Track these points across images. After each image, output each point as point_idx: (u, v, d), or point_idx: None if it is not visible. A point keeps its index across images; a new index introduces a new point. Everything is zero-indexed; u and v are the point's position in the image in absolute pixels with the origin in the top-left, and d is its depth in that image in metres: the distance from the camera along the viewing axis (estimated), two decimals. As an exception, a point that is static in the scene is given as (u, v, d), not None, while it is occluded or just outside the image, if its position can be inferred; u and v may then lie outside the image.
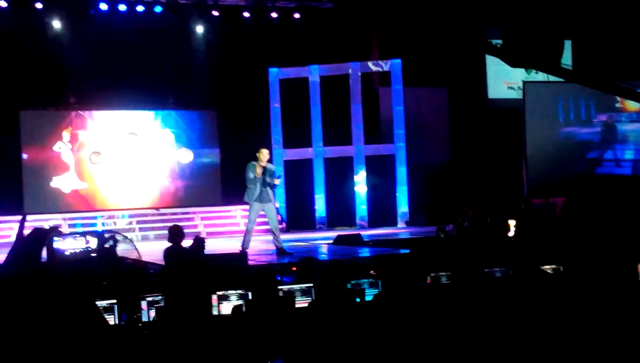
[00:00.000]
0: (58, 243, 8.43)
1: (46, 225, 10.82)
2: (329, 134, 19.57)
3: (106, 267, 8.07)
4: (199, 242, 9.16)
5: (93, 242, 8.51)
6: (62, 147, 18.32)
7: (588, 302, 5.99)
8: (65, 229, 15.93)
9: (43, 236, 4.82)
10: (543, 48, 10.49)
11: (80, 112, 18.58)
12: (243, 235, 12.28)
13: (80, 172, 18.49)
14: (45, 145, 18.18)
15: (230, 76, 19.15)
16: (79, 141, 18.52)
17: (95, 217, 17.90)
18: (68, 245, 8.51)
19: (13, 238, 17.07)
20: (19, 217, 4.26)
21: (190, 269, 7.90)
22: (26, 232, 4.83)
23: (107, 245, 8.41)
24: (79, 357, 3.26)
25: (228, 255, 10.20)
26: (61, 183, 18.26)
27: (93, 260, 8.36)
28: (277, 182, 12.06)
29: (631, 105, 18.45)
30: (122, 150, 18.87)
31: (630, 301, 6.26)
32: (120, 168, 18.82)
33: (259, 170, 11.76)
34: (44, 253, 6.47)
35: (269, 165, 11.96)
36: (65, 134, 18.37)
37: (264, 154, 11.92)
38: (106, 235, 8.67)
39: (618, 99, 18.50)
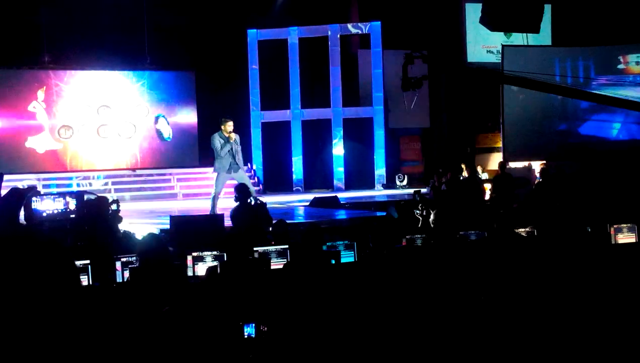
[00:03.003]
0: (36, 204, 8.32)
1: (21, 185, 10.69)
2: (307, 97, 19.49)
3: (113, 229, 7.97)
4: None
5: (72, 203, 8.40)
6: (36, 107, 18.07)
7: (561, 264, 6.06)
8: (40, 190, 15.78)
9: (21, 196, 4.77)
10: (523, 12, 10.48)
11: (55, 71, 18.31)
12: (210, 202, 12.14)
13: (55, 132, 18.27)
14: (19, 105, 17.93)
15: (209, 37, 18.95)
16: (55, 101, 18.28)
17: (70, 178, 17.73)
18: (47, 206, 8.41)
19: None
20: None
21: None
22: (3, 191, 4.78)
23: (112, 208, 8.31)
24: (54, 317, 3.24)
25: (203, 217, 10.15)
26: (36, 143, 18.06)
27: (71, 221, 8.27)
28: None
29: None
30: (98, 111, 18.65)
31: (602, 263, 6.34)
32: (96, 128, 18.63)
33: (223, 142, 11.69)
34: (22, 213, 6.41)
35: (234, 135, 11.86)
36: (40, 94, 18.11)
37: (229, 125, 11.83)
38: (110, 199, 8.56)
39: (621, 60, 18.44)
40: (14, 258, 3.62)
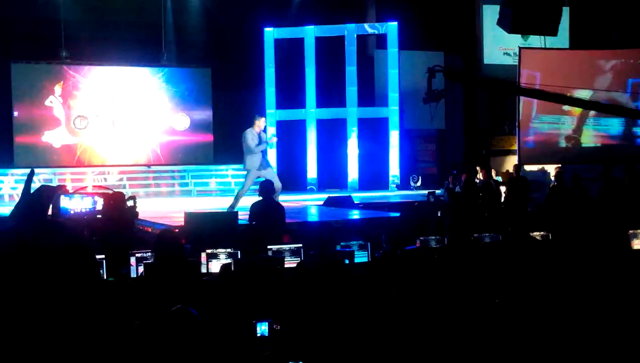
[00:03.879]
0: (65, 202, 8.36)
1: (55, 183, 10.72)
2: (323, 96, 19.48)
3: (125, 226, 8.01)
4: None
5: (100, 203, 8.42)
6: (53, 102, 18.16)
7: (576, 269, 6.02)
8: (54, 183, 15.87)
9: (50, 193, 4.80)
10: (541, 14, 10.43)
11: (73, 66, 18.39)
12: (233, 198, 12.15)
13: (71, 127, 18.35)
14: (37, 99, 18.01)
15: (226, 35, 18.98)
16: (71, 96, 18.36)
17: (85, 174, 17.80)
18: (75, 205, 8.43)
19: (4, 191, 16.96)
20: (9, 171, 4.24)
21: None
22: (33, 186, 4.82)
23: (129, 204, 8.34)
24: (76, 310, 3.29)
25: (218, 214, 10.17)
26: (52, 138, 18.14)
27: (98, 221, 8.27)
28: (273, 140, 12.03)
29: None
30: (114, 106, 18.72)
31: (619, 268, 6.29)
32: (112, 124, 18.69)
33: (257, 139, 11.65)
34: (49, 211, 6.44)
35: (263, 133, 11.86)
36: (57, 88, 18.20)
37: (262, 121, 11.81)
38: (127, 195, 8.60)
39: None
40: (44, 253, 3.67)
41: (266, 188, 9.20)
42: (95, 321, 3.39)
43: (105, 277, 6.02)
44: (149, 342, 3.30)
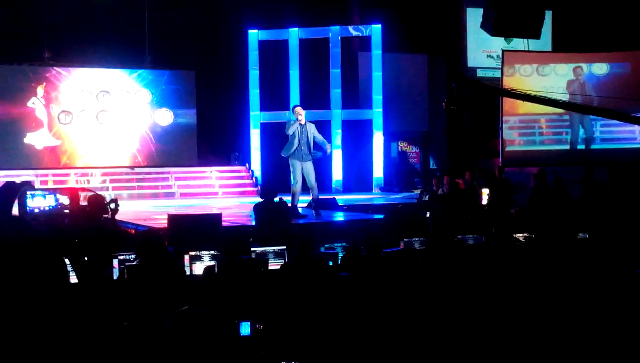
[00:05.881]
0: (28, 201, 8.32)
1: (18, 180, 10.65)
2: (307, 98, 19.45)
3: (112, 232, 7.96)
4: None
5: (63, 200, 8.39)
6: (36, 103, 18.06)
7: (558, 270, 6.06)
8: (37, 186, 15.77)
9: (14, 190, 4.75)
10: (524, 17, 10.49)
11: (55, 68, 18.30)
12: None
13: (54, 129, 18.26)
14: (19, 101, 17.91)
15: (209, 37, 18.95)
16: (54, 97, 18.26)
17: (67, 175, 17.71)
18: (38, 203, 8.40)
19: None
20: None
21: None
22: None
23: (111, 207, 8.30)
24: (41, 312, 3.24)
25: (202, 216, 10.14)
26: (35, 139, 18.04)
27: (65, 216, 8.26)
28: (327, 148, 11.76)
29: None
30: (97, 108, 18.65)
31: (601, 272, 6.34)
32: (95, 126, 18.62)
33: (295, 126, 11.49)
34: (15, 208, 6.40)
35: (311, 126, 11.69)
36: (40, 90, 18.10)
37: (297, 111, 11.69)
38: (109, 198, 8.55)
39: None
40: (5, 253, 3.61)
41: (267, 190, 9.25)
42: (65, 321, 3.34)
43: (85, 279, 5.97)
44: (140, 342, 3.29)
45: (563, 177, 12.10)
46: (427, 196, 14.51)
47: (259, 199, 9.74)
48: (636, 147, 18.26)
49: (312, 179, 11.56)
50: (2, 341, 3.10)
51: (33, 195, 8.44)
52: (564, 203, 10.31)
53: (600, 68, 18.16)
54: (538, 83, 17.65)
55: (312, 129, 11.59)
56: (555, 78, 18.27)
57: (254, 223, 9.39)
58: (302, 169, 11.48)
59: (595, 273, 6.15)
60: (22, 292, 3.28)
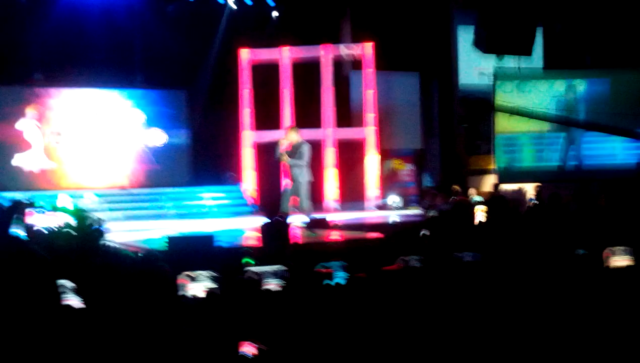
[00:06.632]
0: (29, 219, 8.27)
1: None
2: (300, 117, 19.46)
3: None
4: None
5: (69, 219, 8.33)
6: (24, 124, 18.00)
7: (555, 287, 6.04)
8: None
9: (15, 207, 4.73)
10: (515, 35, 10.54)
11: (45, 88, 18.25)
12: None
13: (45, 150, 18.20)
14: (8, 122, 17.84)
15: (201, 56, 18.97)
16: (44, 118, 18.21)
17: (55, 196, 17.59)
18: (39, 222, 8.33)
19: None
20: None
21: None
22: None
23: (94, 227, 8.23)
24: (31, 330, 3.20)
25: (195, 237, 10.09)
26: (23, 161, 17.97)
27: (73, 238, 8.16)
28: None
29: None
30: (89, 129, 18.60)
31: (597, 287, 6.32)
32: (86, 147, 18.56)
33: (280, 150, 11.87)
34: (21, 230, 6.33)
35: (296, 144, 11.97)
36: (29, 111, 18.04)
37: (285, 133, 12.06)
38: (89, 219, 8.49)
39: None
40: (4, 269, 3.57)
41: (269, 208, 9.42)
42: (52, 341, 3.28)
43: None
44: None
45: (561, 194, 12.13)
46: (433, 212, 14.45)
47: (252, 219, 9.75)
48: (619, 163, 18.36)
49: (300, 199, 11.84)
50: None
51: (37, 213, 8.42)
52: (560, 219, 10.30)
53: (582, 85, 18.39)
54: (519, 100, 17.87)
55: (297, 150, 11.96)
56: (537, 95, 18.45)
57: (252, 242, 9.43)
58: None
59: (592, 285, 6.14)
60: (9, 310, 3.25)
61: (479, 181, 20.18)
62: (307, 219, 12.08)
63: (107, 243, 8.64)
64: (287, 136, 12.15)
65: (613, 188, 13.06)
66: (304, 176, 12.07)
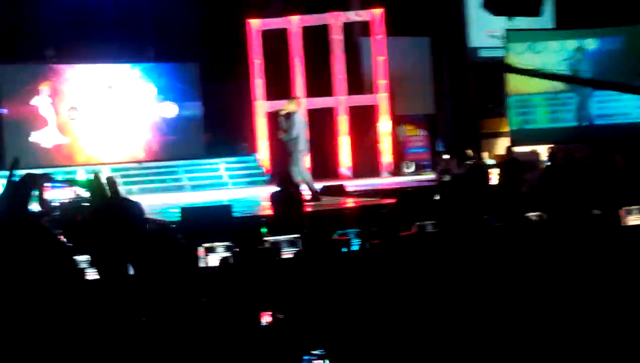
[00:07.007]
0: (46, 194, 8.34)
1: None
2: (311, 85, 19.42)
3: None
4: None
5: (80, 191, 8.37)
6: (39, 101, 18.09)
7: (572, 249, 6.06)
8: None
9: (33, 182, 4.76)
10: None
11: (58, 65, 18.30)
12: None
13: (60, 126, 18.31)
14: (23, 100, 17.94)
15: (212, 28, 18.91)
16: (58, 95, 18.28)
17: (74, 172, 17.70)
18: (56, 195, 8.39)
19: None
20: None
21: None
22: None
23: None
24: (51, 308, 3.25)
25: (214, 208, 10.17)
26: (40, 137, 18.08)
27: (85, 209, 8.23)
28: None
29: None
30: (103, 104, 18.67)
31: (613, 247, 6.33)
32: (101, 122, 18.64)
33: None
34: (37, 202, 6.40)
35: (291, 115, 12.01)
36: (44, 88, 18.12)
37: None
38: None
39: None
40: (16, 250, 3.59)
41: (284, 180, 9.43)
42: (75, 317, 3.34)
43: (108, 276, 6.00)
44: (160, 336, 3.30)
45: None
46: (447, 177, 14.43)
47: (267, 188, 9.79)
48: (633, 122, 18.26)
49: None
50: (9, 337, 3.12)
51: (52, 187, 8.45)
52: (575, 180, 10.26)
53: (593, 44, 18.24)
54: (532, 61, 17.74)
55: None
56: (548, 55, 18.32)
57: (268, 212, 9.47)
58: None
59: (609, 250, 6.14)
60: (27, 288, 3.28)
61: (492, 144, 20.12)
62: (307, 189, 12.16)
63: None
64: (285, 106, 12.09)
65: (628, 147, 12.96)
66: (296, 146, 12.16)
